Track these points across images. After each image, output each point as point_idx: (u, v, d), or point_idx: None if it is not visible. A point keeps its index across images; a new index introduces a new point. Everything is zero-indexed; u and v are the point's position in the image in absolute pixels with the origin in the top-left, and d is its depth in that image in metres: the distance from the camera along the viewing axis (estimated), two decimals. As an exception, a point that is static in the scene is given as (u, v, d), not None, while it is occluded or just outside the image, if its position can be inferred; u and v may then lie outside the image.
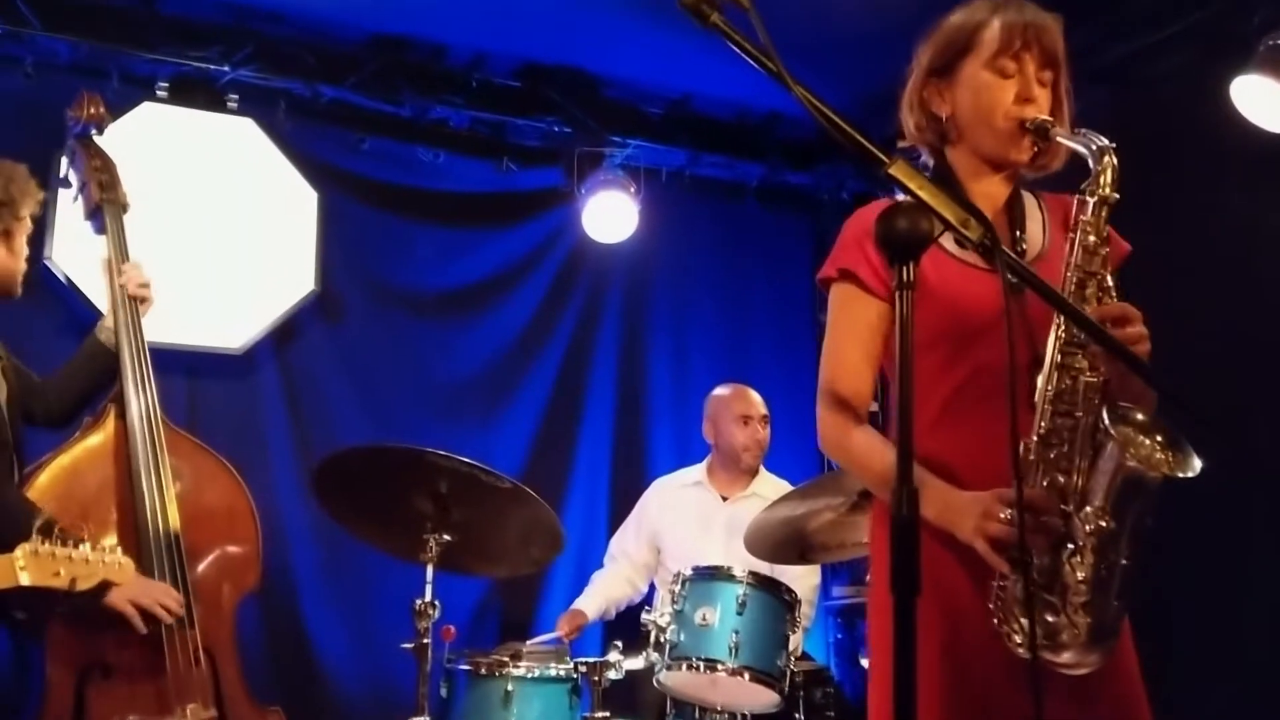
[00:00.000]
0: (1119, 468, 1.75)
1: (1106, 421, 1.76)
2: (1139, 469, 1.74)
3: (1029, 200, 2.08)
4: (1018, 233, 2.02)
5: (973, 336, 1.84)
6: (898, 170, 1.46)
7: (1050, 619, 1.79)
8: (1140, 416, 1.81)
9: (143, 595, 2.94)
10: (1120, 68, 4.33)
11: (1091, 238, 1.87)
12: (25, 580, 2.47)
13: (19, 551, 2.47)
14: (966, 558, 1.83)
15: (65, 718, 2.95)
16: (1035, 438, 1.82)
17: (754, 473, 4.44)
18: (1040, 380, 1.83)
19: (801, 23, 4.15)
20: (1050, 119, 1.95)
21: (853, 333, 2.03)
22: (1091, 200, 1.88)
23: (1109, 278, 1.88)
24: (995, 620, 1.81)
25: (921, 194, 1.43)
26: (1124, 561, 1.78)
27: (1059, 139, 1.93)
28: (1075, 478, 1.81)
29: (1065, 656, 1.79)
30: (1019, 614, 1.78)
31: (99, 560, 2.62)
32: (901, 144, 2.06)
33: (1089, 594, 1.77)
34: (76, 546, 2.57)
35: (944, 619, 1.85)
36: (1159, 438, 1.79)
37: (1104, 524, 1.76)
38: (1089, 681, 1.83)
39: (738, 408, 4.44)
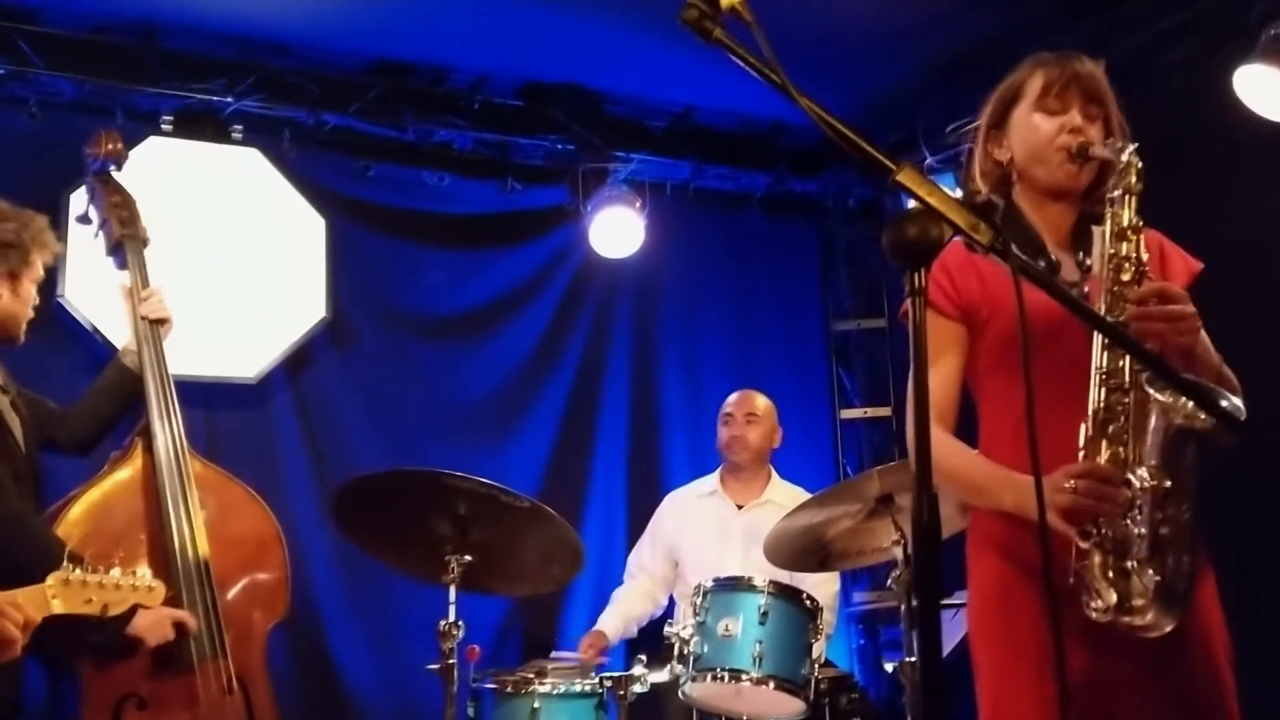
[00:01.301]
0: (1167, 427, 1.89)
1: (1149, 388, 1.91)
2: (1185, 424, 1.87)
3: (1097, 231, 2.21)
4: (1081, 254, 2.17)
5: (1039, 349, 1.92)
6: (905, 177, 1.46)
7: (1123, 583, 1.90)
8: (1179, 380, 1.91)
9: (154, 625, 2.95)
10: (1125, 61, 4.32)
11: (1121, 224, 2.04)
12: (57, 608, 2.45)
13: (51, 579, 2.47)
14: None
15: (100, 752, 2.96)
16: (1090, 415, 1.96)
17: (743, 469, 4.45)
18: (1092, 362, 1.98)
19: (804, 29, 4.16)
20: (1088, 140, 2.13)
21: (931, 352, 2.13)
22: (1117, 193, 2.06)
23: (1144, 260, 2.03)
24: (1077, 594, 1.93)
25: (930, 200, 1.43)
26: (1185, 517, 1.89)
27: (1093, 154, 2.11)
28: (1132, 448, 1.94)
29: (1142, 619, 1.90)
30: (1096, 584, 1.90)
31: (129, 585, 2.60)
32: (979, 198, 2.26)
33: (1149, 550, 1.88)
34: (107, 572, 2.57)
35: (1040, 608, 1.97)
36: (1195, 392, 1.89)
37: (1157, 482, 1.89)
38: (1174, 654, 1.96)
39: (722, 409, 4.52)
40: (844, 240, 5.94)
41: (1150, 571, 1.87)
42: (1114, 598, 1.88)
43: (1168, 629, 1.90)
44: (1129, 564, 1.89)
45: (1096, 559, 1.90)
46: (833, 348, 5.88)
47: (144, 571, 2.75)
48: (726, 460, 4.49)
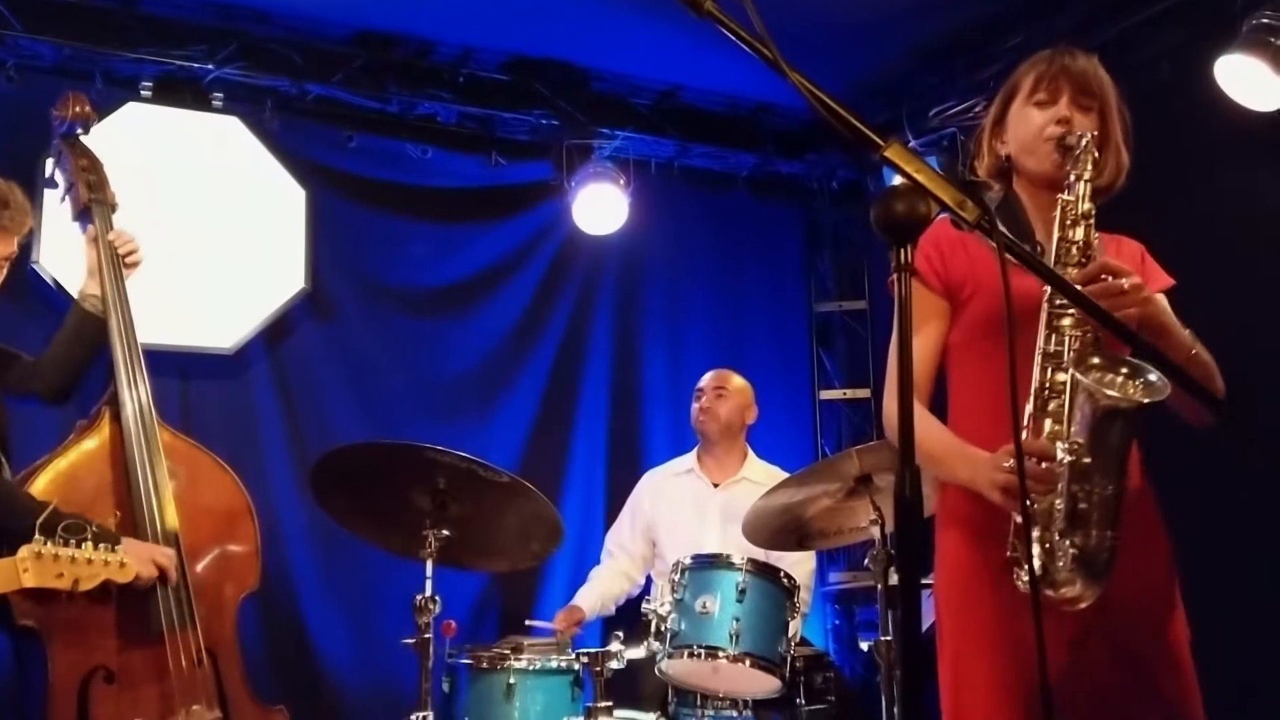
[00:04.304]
0: (1093, 407, 1.93)
1: (1074, 372, 1.97)
2: (1109, 404, 1.91)
3: (1055, 216, 2.23)
4: None
5: (1018, 329, 1.92)
6: (893, 153, 1.46)
7: (1047, 556, 1.95)
8: (1100, 359, 1.98)
9: (145, 558, 2.94)
10: (1106, 49, 4.32)
11: (1074, 211, 2.12)
12: (28, 582, 2.46)
13: (23, 552, 2.46)
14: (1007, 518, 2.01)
15: (70, 723, 2.94)
16: (1033, 393, 2.03)
17: (715, 444, 4.48)
18: (1037, 342, 2.04)
19: (789, 12, 4.13)
20: (1069, 130, 2.18)
21: (914, 325, 2.18)
22: (1071, 179, 2.15)
23: (1092, 246, 2.11)
24: (1013, 567, 2.01)
25: (918, 176, 1.43)
26: (1108, 492, 1.93)
27: (1067, 143, 2.16)
28: (1067, 425, 2.00)
29: (1063, 591, 1.95)
30: (1026, 557, 1.94)
31: (101, 560, 2.61)
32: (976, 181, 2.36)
33: (1065, 523, 1.93)
34: (79, 546, 2.55)
35: (997, 579, 2.04)
36: (1123, 370, 1.96)
37: (1076, 457, 1.93)
38: (1136, 652, 2.05)
39: (695, 387, 4.57)
40: (828, 222, 5.95)
41: (1067, 543, 1.93)
42: (1039, 568, 1.94)
43: (1087, 601, 1.96)
44: (1053, 537, 1.95)
45: (1035, 533, 1.96)
46: (814, 329, 5.89)
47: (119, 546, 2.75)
48: (698, 435, 4.54)
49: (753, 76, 5.01)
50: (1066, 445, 1.95)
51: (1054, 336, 2.05)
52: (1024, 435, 1.99)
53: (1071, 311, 2.03)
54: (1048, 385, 2.03)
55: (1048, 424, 2.01)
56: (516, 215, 5.28)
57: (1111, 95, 2.27)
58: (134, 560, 2.80)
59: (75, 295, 3.81)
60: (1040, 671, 1.49)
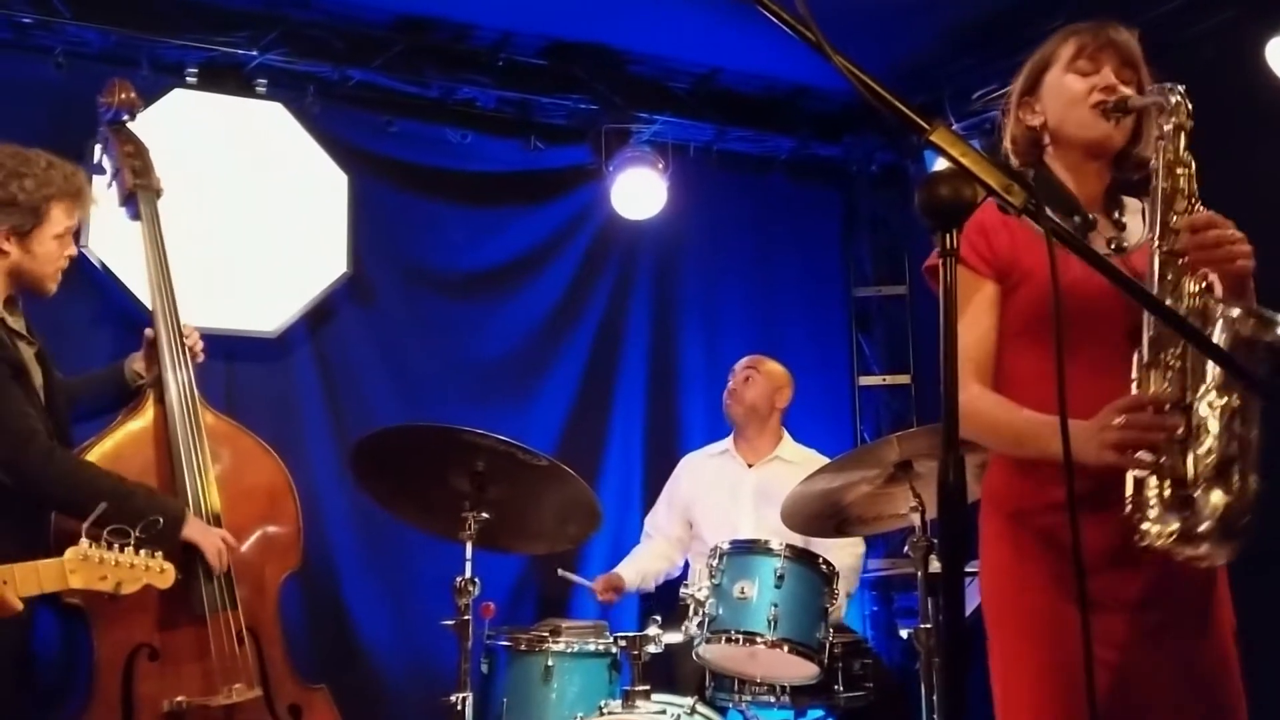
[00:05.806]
0: (1232, 341, 1.86)
1: (1216, 303, 1.91)
2: (1252, 335, 1.85)
3: (1132, 202, 2.23)
4: (1116, 214, 2.19)
5: (1070, 320, 1.94)
6: (939, 137, 1.44)
7: (1186, 512, 1.87)
8: (1233, 299, 1.93)
9: (206, 537, 3.05)
10: (1156, 28, 4.27)
11: (1172, 158, 2.05)
12: (75, 584, 2.58)
13: (70, 554, 2.56)
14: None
15: (114, 700, 3.00)
16: (1145, 341, 1.94)
17: (745, 427, 4.50)
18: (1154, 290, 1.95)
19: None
20: (1126, 94, 2.12)
21: (968, 310, 2.17)
22: (1169, 128, 2.06)
23: (1196, 192, 2.04)
24: (1132, 522, 1.92)
25: (964, 160, 1.41)
26: (1254, 434, 1.87)
27: (1132, 105, 2.11)
28: (1187, 370, 1.91)
29: (1202, 549, 1.88)
30: (1156, 512, 1.88)
31: (144, 565, 2.71)
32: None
33: (1215, 470, 1.85)
34: (123, 550, 2.64)
35: (1040, 570, 2.03)
36: (1257, 312, 1.91)
37: (1227, 399, 1.86)
38: (1182, 644, 2.01)
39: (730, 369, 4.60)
40: (866, 206, 5.91)
41: (1218, 491, 1.85)
42: (1176, 525, 1.86)
43: (1221, 562, 1.91)
44: (1194, 490, 1.86)
45: (1155, 488, 1.89)
46: (853, 314, 5.86)
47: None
48: (726, 419, 4.57)
49: (790, 59, 4.99)
50: (1214, 390, 1.86)
51: (1164, 286, 1.96)
52: (1134, 387, 1.93)
53: (1183, 257, 1.96)
54: (1158, 334, 1.94)
55: (1158, 376, 1.92)
56: (555, 199, 5.28)
57: (1145, 71, 2.21)
58: (198, 536, 2.95)
59: (124, 283, 3.87)
60: (1085, 660, 1.47)
